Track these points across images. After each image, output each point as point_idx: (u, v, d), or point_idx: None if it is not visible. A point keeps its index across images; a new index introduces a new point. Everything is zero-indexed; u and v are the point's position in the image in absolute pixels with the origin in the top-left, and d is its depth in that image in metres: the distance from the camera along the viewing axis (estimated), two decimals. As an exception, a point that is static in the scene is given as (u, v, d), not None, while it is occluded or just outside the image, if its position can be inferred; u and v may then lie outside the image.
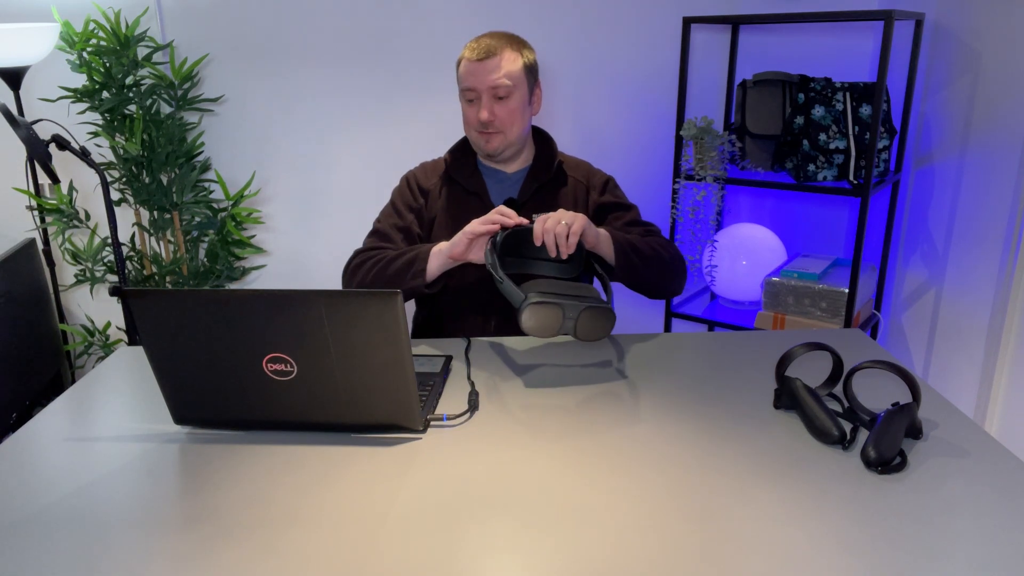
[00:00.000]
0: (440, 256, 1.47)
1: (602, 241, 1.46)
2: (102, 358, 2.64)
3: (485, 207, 1.61)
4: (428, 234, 1.64)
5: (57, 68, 2.57)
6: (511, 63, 1.54)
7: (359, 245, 2.79)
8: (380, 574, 0.86)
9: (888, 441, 1.05)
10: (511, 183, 1.66)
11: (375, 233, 1.62)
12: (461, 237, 1.41)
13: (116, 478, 1.06)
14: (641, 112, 2.64)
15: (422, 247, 1.51)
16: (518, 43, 1.58)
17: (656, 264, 1.52)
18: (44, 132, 2.54)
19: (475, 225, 1.40)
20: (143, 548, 0.91)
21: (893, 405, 1.12)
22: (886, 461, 1.03)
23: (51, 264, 2.59)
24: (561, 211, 1.38)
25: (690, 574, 0.85)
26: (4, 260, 2.27)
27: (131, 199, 2.54)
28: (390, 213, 1.65)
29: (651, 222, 1.69)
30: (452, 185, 1.65)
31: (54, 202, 2.42)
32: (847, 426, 1.17)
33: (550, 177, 1.64)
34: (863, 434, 1.13)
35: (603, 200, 1.65)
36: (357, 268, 1.55)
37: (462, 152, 1.68)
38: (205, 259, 2.61)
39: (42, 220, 2.52)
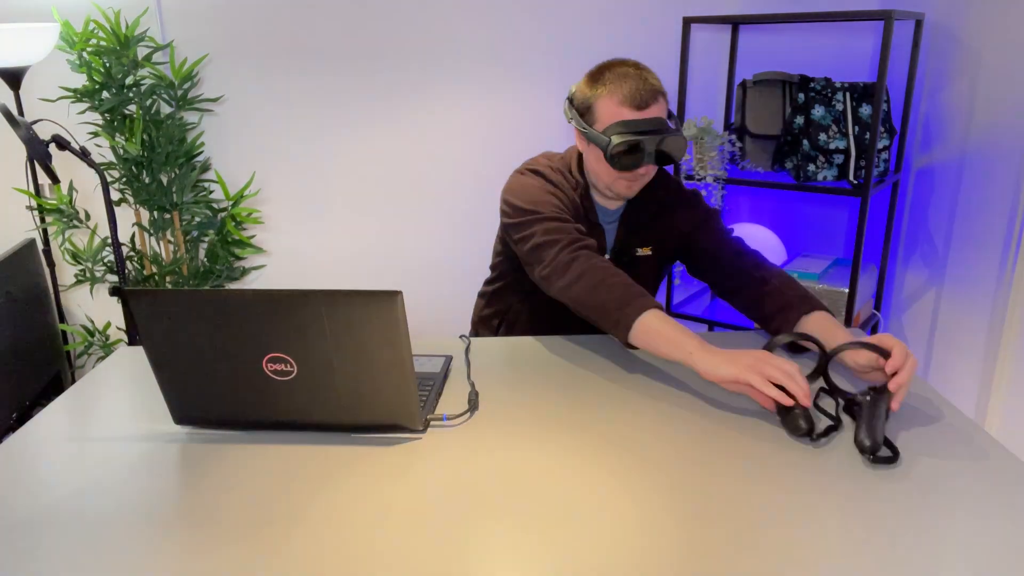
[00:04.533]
0: (681, 352, 1.21)
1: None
2: (102, 358, 2.64)
3: (600, 249, 1.47)
4: None
5: (57, 68, 2.57)
6: (662, 109, 1.38)
7: (359, 245, 2.79)
8: (380, 574, 0.86)
9: (877, 426, 1.06)
10: (611, 219, 1.55)
11: (554, 220, 1.41)
12: (743, 376, 1.14)
13: (116, 478, 1.06)
14: (641, 112, 2.64)
15: (651, 304, 1.28)
16: (652, 78, 1.39)
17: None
18: (44, 132, 2.54)
19: (770, 389, 1.12)
20: (143, 548, 0.91)
21: (870, 388, 1.12)
22: (879, 445, 1.04)
23: (51, 264, 2.59)
24: (907, 368, 1.13)
25: (690, 574, 0.85)
26: (4, 260, 2.27)
27: (131, 199, 2.54)
28: (539, 202, 1.42)
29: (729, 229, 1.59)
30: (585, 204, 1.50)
31: (54, 202, 2.42)
32: (821, 421, 1.17)
33: (664, 205, 1.53)
34: (844, 433, 1.12)
35: (693, 217, 1.53)
36: (570, 268, 1.35)
37: (580, 173, 1.50)
38: (205, 259, 2.61)
39: (42, 220, 2.52)
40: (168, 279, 2.55)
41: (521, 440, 1.14)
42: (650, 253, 1.54)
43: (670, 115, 1.41)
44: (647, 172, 1.42)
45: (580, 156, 1.51)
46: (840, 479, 1.02)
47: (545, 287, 1.39)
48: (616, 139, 1.34)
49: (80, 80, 2.57)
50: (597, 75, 1.40)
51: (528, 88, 2.61)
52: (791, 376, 1.11)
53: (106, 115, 2.42)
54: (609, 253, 1.53)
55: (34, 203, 2.50)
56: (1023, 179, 1.85)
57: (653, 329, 1.25)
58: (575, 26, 2.54)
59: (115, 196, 2.56)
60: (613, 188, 1.44)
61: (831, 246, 2.71)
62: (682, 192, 1.56)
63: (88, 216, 2.53)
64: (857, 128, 2.18)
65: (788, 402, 1.11)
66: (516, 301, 1.64)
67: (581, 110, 1.42)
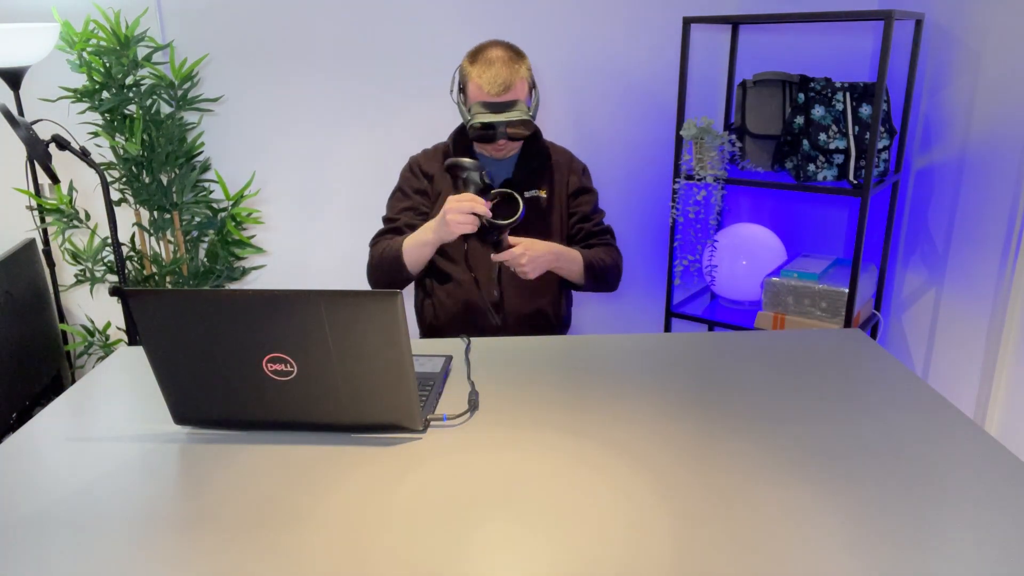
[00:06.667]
0: (423, 238, 1.62)
1: (568, 262, 1.70)
2: (102, 358, 2.64)
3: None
4: (432, 208, 1.77)
5: (57, 68, 2.56)
6: (522, 90, 1.64)
7: (359, 245, 2.79)
8: (380, 574, 0.86)
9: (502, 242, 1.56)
10: (505, 165, 1.78)
11: (386, 220, 1.79)
12: (447, 230, 1.54)
13: (116, 478, 1.06)
14: (641, 112, 2.64)
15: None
16: (521, 59, 1.66)
17: (604, 279, 1.78)
18: (44, 132, 2.54)
19: (459, 228, 1.52)
20: (143, 548, 0.91)
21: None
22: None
23: (51, 264, 2.59)
24: (530, 252, 1.59)
25: (690, 572, 0.85)
26: (4, 260, 2.27)
27: (131, 199, 2.54)
28: (399, 198, 1.80)
29: (602, 209, 1.88)
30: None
31: (54, 202, 2.42)
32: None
33: (540, 162, 1.79)
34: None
35: (581, 186, 1.83)
36: (376, 266, 1.72)
37: (461, 140, 1.79)
38: (205, 259, 2.61)
39: (42, 220, 2.52)
40: (168, 279, 2.55)
41: (521, 440, 1.14)
42: (546, 195, 1.77)
43: (532, 88, 1.69)
44: (505, 146, 1.68)
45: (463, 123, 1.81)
46: (840, 479, 1.02)
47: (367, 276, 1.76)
48: (475, 120, 1.61)
49: (80, 80, 2.57)
50: (473, 57, 1.65)
51: (528, 88, 2.61)
52: (469, 200, 1.49)
53: (106, 115, 2.42)
54: (500, 185, 1.75)
55: (34, 203, 2.50)
56: (1023, 179, 1.85)
57: (408, 248, 1.64)
58: (575, 26, 2.54)
59: (115, 196, 2.56)
60: (484, 152, 1.74)
61: (831, 246, 2.71)
62: (574, 160, 1.85)
63: (88, 216, 2.53)
64: (857, 128, 2.18)
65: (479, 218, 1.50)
66: (429, 283, 1.86)
67: (460, 85, 1.69)
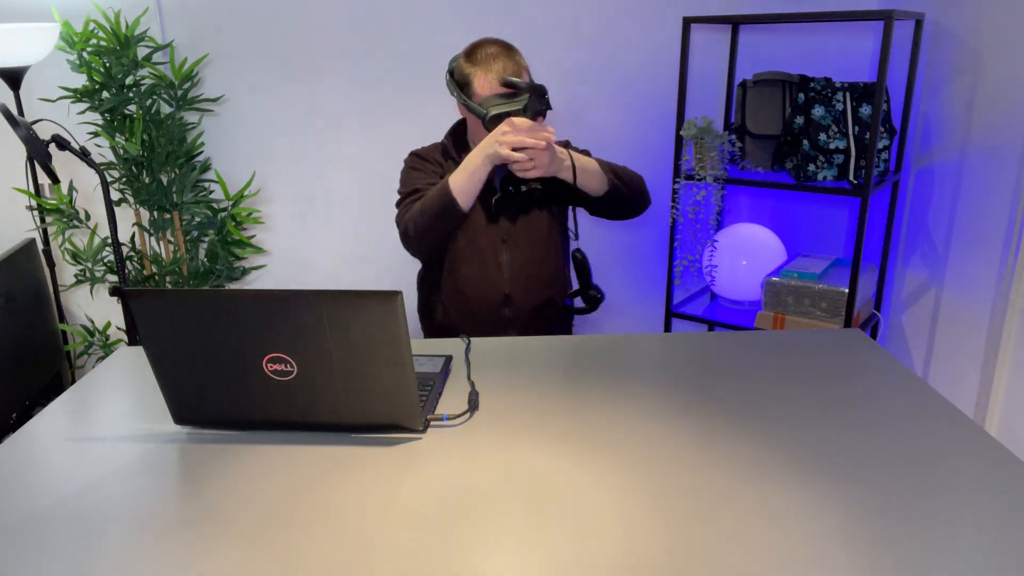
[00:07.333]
0: (472, 166, 1.60)
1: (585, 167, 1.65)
2: (102, 358, 2.64)
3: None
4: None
5: (57, 68, 2.57)
6: (527, 79, 1.66)
7: (359, 245, 2.79)
8: (380, 574, 0.86)
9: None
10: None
11: (405, 194, 1.73)
12: (490, 157, 1.56)
13: (116, 478, 1.06)
14: (641, 112, 2.64)
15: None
16: (514, 50, 1.68)
17: (630, 181, 1.72)
18: (44, 132, 2.54)
19: (507, 151, 1.54)
20: (143, 548, 0.91)
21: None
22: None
23: (51, 264, 2.59)
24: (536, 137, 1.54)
25: (690, 573, 0.85)
26: (4, 260, 2.27)
27: (131, 199, 2.54)
28: (410, 180, 1.74)
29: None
30: (452, 163, 1.77)
31: (54, 202, 2.42)
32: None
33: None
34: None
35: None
36: (421, 213, 1.65)
37: (458, 137, 1.80)
38: (205, 259, 2.61)
39: (42, 220, 2.52)
40: (168, 279, 2.55)
41: (521, 440, 1.14)
42: (540, 187, 1.72)
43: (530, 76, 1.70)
44: None
45: (458, 123, 1.82)
46: (841, 479, 1.02)
47: (406, 243, 1.69)
48: (491, 111, 1.60)
49: (80, 80, 2.57)
50: (471, 54, 1.66)
51: (528, 88, 2.61)
52: (525, 130, 1.53)
53: (106, 115, 2.42)
54: (499, 186, 1.70)
55: (34, 203, 2.50)
56: (1023, 179, 1.85)
57: (456, 180, 1.60)
58: (576, 26, 2.54)
59: (115, 196, 2.56)
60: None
61: (831, 246, 2.71)
62: (570, 148, 1.78)
63: (88, 216, 2.53)
64: (857, 128, 2.18)
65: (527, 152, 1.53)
66: (434, 281, 1.81)
67: (460, 84, 1.67)
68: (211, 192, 2.61)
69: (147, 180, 2.49)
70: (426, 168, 1.76)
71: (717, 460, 1.07)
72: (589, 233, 2.76)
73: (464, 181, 1.59)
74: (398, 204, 1.74)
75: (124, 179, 2.48)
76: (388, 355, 1.07)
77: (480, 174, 1.59)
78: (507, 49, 1.66)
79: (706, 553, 0.88)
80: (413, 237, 1.65)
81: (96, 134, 2.45)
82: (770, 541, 0.90)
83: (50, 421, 1.24)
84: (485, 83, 1.62)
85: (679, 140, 2.30)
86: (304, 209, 2.74)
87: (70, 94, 2.40)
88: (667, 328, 2.54)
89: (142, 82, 2.44)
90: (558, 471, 1.05)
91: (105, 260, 2.53)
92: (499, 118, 1.60)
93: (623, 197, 1.71)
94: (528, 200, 1.74)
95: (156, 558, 0.89)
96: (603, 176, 1.66)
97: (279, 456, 1.11)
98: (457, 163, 1.71)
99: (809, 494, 0.99)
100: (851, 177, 2.17)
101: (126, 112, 2.45)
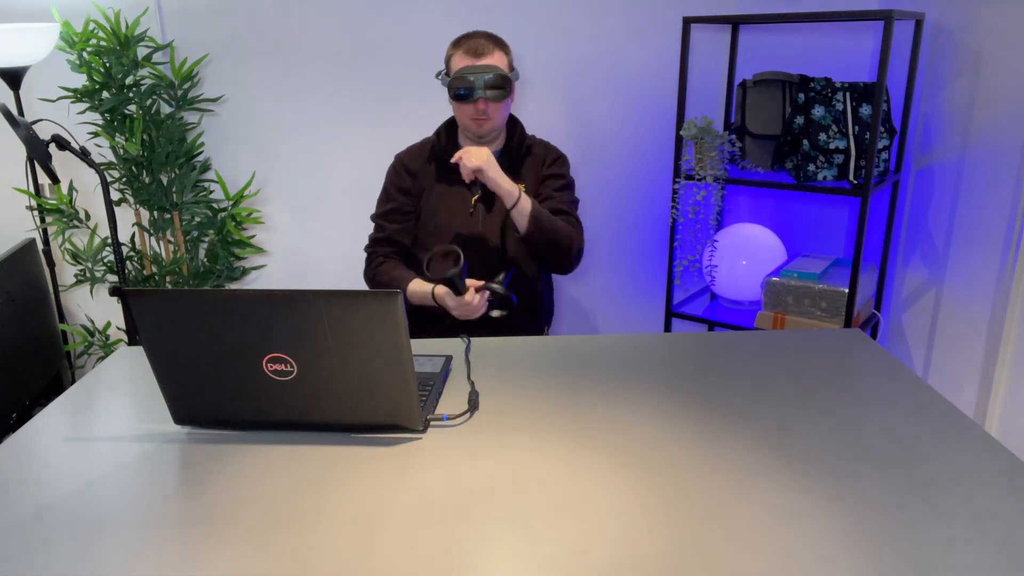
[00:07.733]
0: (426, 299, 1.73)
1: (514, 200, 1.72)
2: (102, 358, 2.64)
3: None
4: (418, 204, 1.87)
5: (57, 68, 2.57)
6: (501, 61, 1.76)
7: (359, 245, 2.79)
8: (380, 574, 0.86)
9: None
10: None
11: (374, 219, 1.89)
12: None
13: (116, 478, 1.06)
14: (641, 112, 2.64)
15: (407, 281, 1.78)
16: (503, 43, 1.79)
17: (553, 236, 1.75)
18: (44, 132, 2.54)
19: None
20: (143, 548, 0.91)
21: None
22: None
23: (51, 264, 2.59)
24: (476, 158, 1.66)
25: (690, 572, 0.85)
26: (4, 260, 2.27)
27: (131, 199, 2.54)
28: (383, 200, 1.90)
29: (577, 199, 1.91)
30: (440, 161, 1.87)
31: (54, 202, 2.42)
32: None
33: (520, 156, 1.88)
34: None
35: (548, 172, 1.89)
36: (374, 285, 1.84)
37: (448, 131, 1.89)
38: (205, 259, 2.61)
39: (42, 220, 2.52)
40: (168, 279, 2.55)
41: (521, 440, 1.14)
42: (525, 189, 1.81)
43: (511, 69, 1.78)
44: (486, 107, 1.74)
45: (452, 116, 1.90)
46: (841, 479, 1.02)
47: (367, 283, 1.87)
48: (455, 81, 1.72)
49: (80, 80, 2.57)
50: (456, 42, 1.77)
51: (529, 87, 2.61)
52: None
53: (106, 115, 2.42)
54: (480, 188, 1.81)
55: (34, 203, 2.50)
56: (1023, 179, 1.85)
57: (411, 292, 1.76)
58: (575, 26, 2.54)
59: (115, 196, 2.56)
60: (468, 128, 1.80)
61: (831, 246, 2.71)
62: (551, 151, 1.91)
63: (88, 216, 2.53)
64: (857, 128, 2.17)
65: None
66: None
67: (446, 68, 1.80)
68: (211, 192, 2.61)
69: (147, 180, 2.49)
70: (395, 187, 1.87)
71: (717, 460, 1.07)
72: (590, 233, 2.76)
73: (415, 300, 1.75)
74: (373, 219, 1.89)
75: (124, 179, 2.48)
76: (388, 355, 1.07)
77: (426, 303, 1.73)
78: (492, 38, 1.75)
79: (706, 552, 0.88)
80: (370, 287, 1.82)
81: (96, 134, 2.45)
82: (770, 540, 0.90)
83: (50, 421, 1.24)
84: (459, 58, 1.74)
85: (679, 140, 2.30)
86: (304, 209, 2.74)
87: (70, 94, 2.40)
88: (667, 328, 2.54)
89: (142, 82, 2.44)
90: (558, 471, 1.05)
91: (105, 260, 2.53)
92: (461, 86, 1.71)
93: (536, 246, 1.75)
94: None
95: (156, 558, 0.89)
96: (527, 219, 1.71)
97: (279, 456, 1.11)
98: (446, 157, 1.82)
99: (808, 493, 0.99)
100: (851, 177, 2.17)
101: (126, 112, 2.45)
